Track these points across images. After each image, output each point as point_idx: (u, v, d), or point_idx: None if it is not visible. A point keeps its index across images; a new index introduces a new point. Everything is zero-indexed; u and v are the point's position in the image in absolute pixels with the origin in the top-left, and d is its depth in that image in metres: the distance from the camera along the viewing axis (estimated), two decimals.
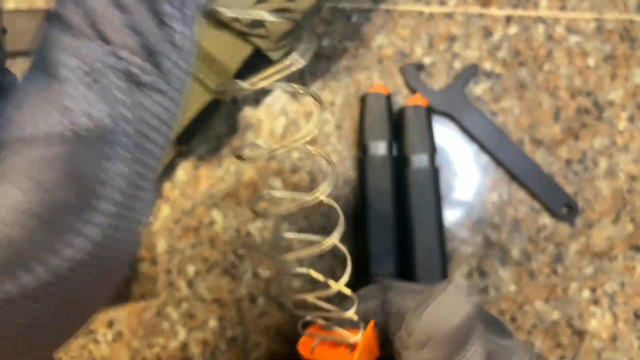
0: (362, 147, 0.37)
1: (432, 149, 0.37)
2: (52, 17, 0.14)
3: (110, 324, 0.39)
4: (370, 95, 0.37)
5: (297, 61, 0.17)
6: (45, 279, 0.12)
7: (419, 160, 0.37)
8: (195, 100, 0.34)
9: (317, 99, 0.18)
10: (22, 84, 0.14)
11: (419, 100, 0.38)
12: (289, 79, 0.42)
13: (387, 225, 0.36)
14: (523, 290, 0.39)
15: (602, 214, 0.39)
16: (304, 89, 0.18)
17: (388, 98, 0.38)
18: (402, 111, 0.38)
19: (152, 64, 0.14)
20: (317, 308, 0.23)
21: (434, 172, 0.37)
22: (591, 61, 0.40)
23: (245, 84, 0.18)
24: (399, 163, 0.38)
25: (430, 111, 0.38)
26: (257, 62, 0.38)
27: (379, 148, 0.37)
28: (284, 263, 0.23)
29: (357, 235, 0.37)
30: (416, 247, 0.36)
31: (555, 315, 0.38)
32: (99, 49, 0.13)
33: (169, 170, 0.39)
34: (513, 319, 0.38)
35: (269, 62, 0.39)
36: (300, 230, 0.39)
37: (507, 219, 0.39)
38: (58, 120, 0.12)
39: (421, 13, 0.40)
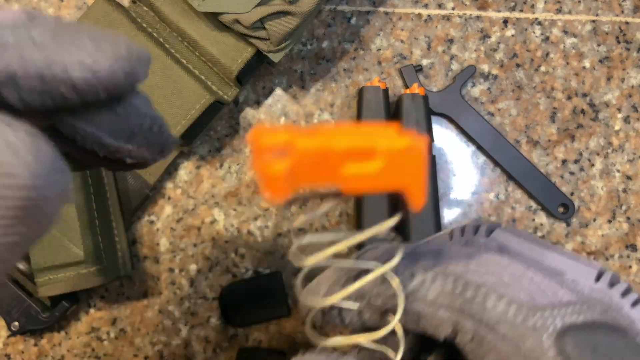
0: None
1: (429, 137, 0.38)
2: None
3: (113, 322, 0.39)
4: (367, 89, 0.38)
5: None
6: None
7: None
8: (197, 102, 0.35)
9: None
10: None
11: (416, 89, 0.38)
12: (289, 80, 0.42)
13: (382, 217, 0.37)
14: None
15: (597, 214, 0.40)
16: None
17: (385, 92, 0.38)
18: (399, 99, 0.38)
19: None
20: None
21: (431, 161, 0.37)
22: (587, 63, 0.41)
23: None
24: None
25: (427, 99, 0.38)
26: (258, 63, 0.38)
27: None
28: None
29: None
30: (412, 237, 0.36)
31: None
32: None
33: (171, 170, 0.40)
34: None
35: (270, 64, 0.40)
36: (300, 230, 0.39)
37: (504, 218, 0.40)
38: None
39: (419, 15, 0.41)
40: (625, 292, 0.18)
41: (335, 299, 0.16)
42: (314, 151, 0.12)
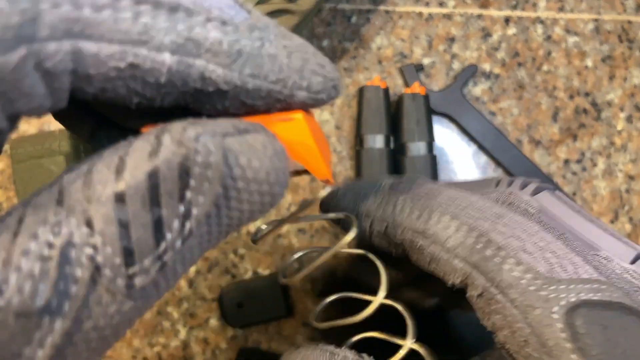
0: (359, 139, 0.38)
1: (430, 137, 0.37)
2: None
3: None
4: (368, 88, 0.38)
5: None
6: None
7: (416, 148, 0.37)
8: None
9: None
10: None
11: (417, 88, 0.38)
12: None
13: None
14: None
15: (600, 214, 0.39)
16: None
17: (386, 91, 0.38)
18: (400, 99, 0.38)
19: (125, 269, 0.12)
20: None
21: (432, 160, 0.37)
22: (589, 62, 0.40)
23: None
24: (397, 151, 0.38)
25: (428, 99, 0.38)
26: None
27: (376, 141, 0.37)
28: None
29: None
30: None
31: None
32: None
33: None
34: None
35: None
36: (301, 234, 0.39)
37: None
38: None
39: (420, 14, 0.40)
40: None
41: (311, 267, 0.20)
42: None
